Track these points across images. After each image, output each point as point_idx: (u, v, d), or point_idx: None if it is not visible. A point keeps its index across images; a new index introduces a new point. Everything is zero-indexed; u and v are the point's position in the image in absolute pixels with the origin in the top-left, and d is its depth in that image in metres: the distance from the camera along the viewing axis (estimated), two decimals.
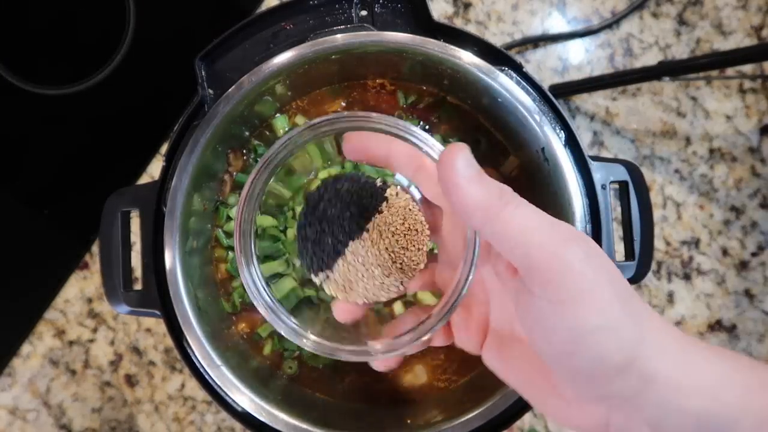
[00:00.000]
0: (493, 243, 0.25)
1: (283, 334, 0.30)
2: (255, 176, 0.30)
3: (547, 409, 0.27)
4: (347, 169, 0.48)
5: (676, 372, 0.23)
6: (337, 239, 0.31)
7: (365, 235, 0.31)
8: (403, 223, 0.32)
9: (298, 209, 0.50)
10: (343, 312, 0.32)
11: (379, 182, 0.32)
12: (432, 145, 0.28)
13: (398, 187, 0.33)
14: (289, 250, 0.50)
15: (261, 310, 0.30)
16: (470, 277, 0.28)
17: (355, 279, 0.31)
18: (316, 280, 0.32)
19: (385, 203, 0.32)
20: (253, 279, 0.30)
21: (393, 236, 0.32)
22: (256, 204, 0.30)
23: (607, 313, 0.23)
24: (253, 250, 0.30)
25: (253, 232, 0.30)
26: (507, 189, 0.25)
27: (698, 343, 0.24)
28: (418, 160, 0.30)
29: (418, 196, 0.33)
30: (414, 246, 0.32)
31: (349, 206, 0.31)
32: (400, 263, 0.32)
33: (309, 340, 0.30)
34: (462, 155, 0.25)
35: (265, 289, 0.30)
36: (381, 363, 0.32)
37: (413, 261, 0.32)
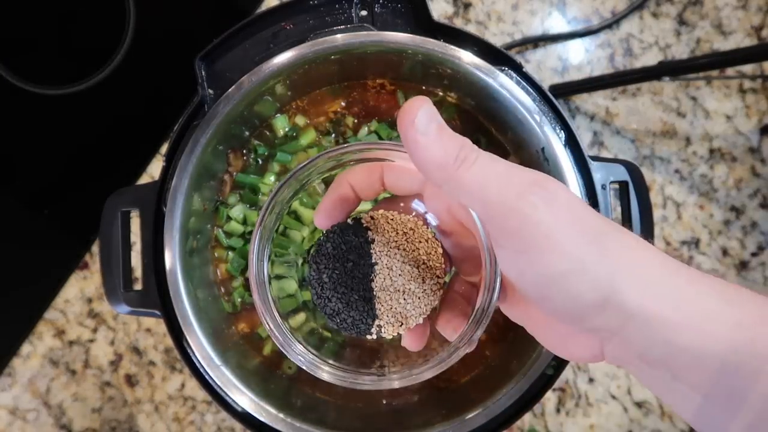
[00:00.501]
0: (456, 200, 0.26)
1: (302, 366, 0.30)
2: (265, 213, 0.30)
3: (547, 342, 0.28)
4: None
5: (658, 305, 0.23)
6: (361, 291, 0.31)
7: (377, 267, 0.31)
8: (397, 232, 0.32)
9: (301, 209, 0.50)
10: (414, 341, 0.32)
11: (350, 221, 0.33)
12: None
13: (368, 212, 0.33)
14: (297, 252, 0.50)
15: (276, 340, 0.30)
16: (493, 301, 0.28)
17: (402, 308, 0.31)
18: (372, 336, 0.32)
19: (369, 231, 0.32)
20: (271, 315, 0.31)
21: (399, 249, 0.32)
22: (269, 245, 0.31)
23: (571, 256, 0.23)
24: (268, 291, 0.31)
25: (267, 272, 0.31)
26: (467, 143, 0.25)
27: (691, 274, 0.24)
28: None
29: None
30: (421, 241, 0.32)
31: (346, 258, 0.31)
32: (423, 262, 0.32)
33: (326, 372, 0.30)
34: (422, 110, 0.24)
35: (280, 321, 0.31)
36: (408, 342, 0.32)
37: (431, 252, 0.32)
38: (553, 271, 0.23)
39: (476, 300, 0.29)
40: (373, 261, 0.31)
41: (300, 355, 0.30)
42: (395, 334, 0.32)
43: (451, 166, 0.24)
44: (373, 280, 0.31)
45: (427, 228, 0.33)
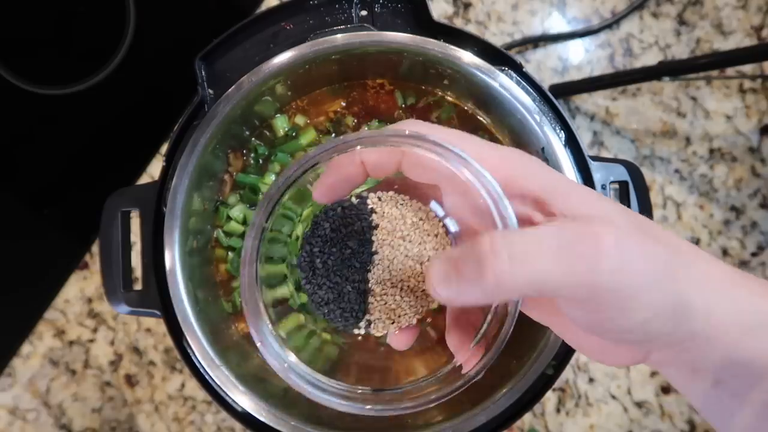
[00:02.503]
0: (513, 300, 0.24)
1: (308, 395, 0.27)
2: (266, 206, 0.26)
3: (582, 350, 0.27)
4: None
5: (716, 315, 0.22)
6: (356, 282, 0.28)
7: (377, 257, 0.28)
8: (405, 221, 0.29)
9: (299, 209, 0.50)
10: (400, 340, 0.30)
11: (354, 200, 0.29)
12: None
13: (376, 192, 0.30)
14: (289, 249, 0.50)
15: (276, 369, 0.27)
16: (510, 331, 0.26)
17: (396, 305, 0.29)
18: (360, 331, 0.29)
19: (374, 215, 0.29)
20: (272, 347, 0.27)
21: (404, 240, 0.29)
22: (260, 249, 0.27)
23: (649, 305, 0.21)
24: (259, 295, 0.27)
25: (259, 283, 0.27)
26: (482, 247, 0.21)
27: (745, 281, 0.23)
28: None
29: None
30: (430, 234, 0.29)
31: (345, 243, 0.28)
32: (428, 258, 0.29)
33: (336, 401, 0.28)
34: (434, 270, 0.23)
35: (280, 350, 0.27)
36: (395, 341, 0.30)
37: (439, 250, 0.29)
38: (633, 323, 0.22)
39: (487, 313, 0.27)
40: (374, 250, 0.28)
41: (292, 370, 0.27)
42: (384, 332, 0.30)
43: (493, 288, 0.21)
44: (371, 271, 0.28)
45: (439, 222, 0.29)
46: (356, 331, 0.29)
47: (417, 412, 0.27)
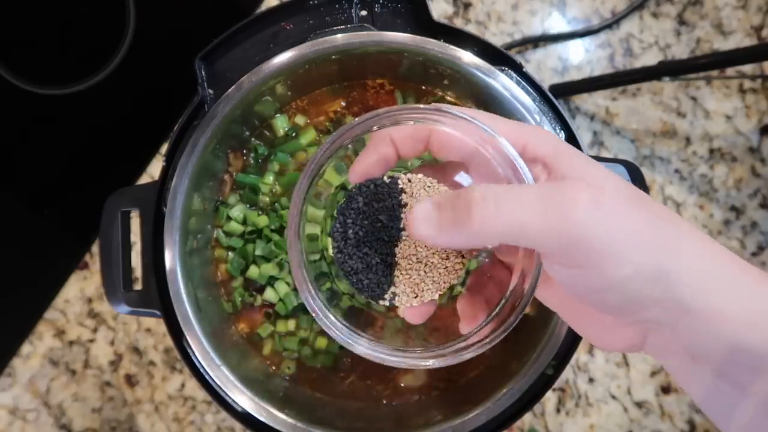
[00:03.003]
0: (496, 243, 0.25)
1: (337, 339, 0.29)
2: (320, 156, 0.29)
3: (585, 333, 0.28)
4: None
5: (723, 303, 0.22)
6: (383, 255, 0.30)
7: (404, 233, 0.30)
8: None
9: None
10: (416, 314, 0.31)
11: (386, 178, 0.31)
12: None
13: (406, 173, 0.31)
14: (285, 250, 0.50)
15: (315, 315, 0.29)
16: (532, 291, 0.27)
17: (420, 280, 0.30)
18: (385, 302, 0.31)
19: (404, 194, 0.31)
20: (307, 284, 0.29)
21: None
22: (306, 205, 0.29)
23: (630, 264, 0.22)
24: (302, 250, 0.29)
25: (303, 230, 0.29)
26: (467, 191, 0.24)
27: (759, 273, 0.23)
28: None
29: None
30: None
31: (376, 217, 0.30)
32: None
33: (362, 347, 0.29)
34: (419, 220, 0.25)
35: (317, 294, 0.29)
36: (411, 314, 0.31)
37: None
38: (611, 281, 0.23)
39: (508, 283, 0.28)
40: (402, 226, 0.30)
41: (335, 327, 0.29)
42: (408, 305, 0.31)
43: (477, 231, 0.23)
44: (398, 246, 0.30)
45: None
46: (381, 302, 0.31)
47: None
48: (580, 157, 0.26)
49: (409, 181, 0.31)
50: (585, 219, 0.22)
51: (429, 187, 0.31)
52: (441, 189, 0.31)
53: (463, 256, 0.31)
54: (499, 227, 0.23)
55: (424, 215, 0.25)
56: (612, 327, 0.26)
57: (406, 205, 0.30)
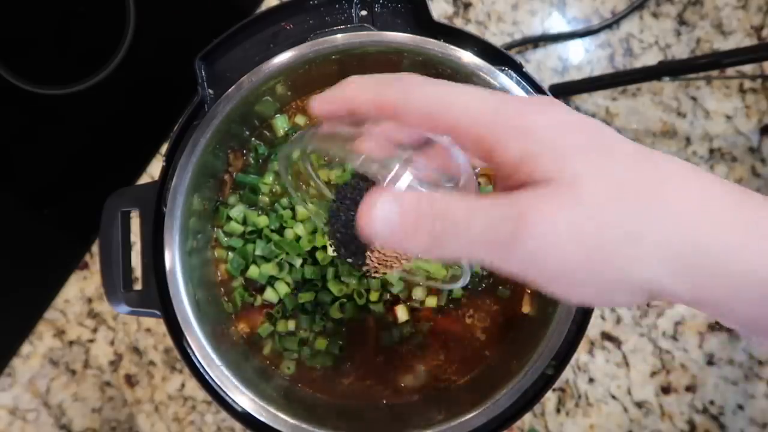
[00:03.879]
0: None
1: None
2: None
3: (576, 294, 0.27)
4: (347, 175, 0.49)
5: (723, 237, 0.22)
6: (360, 250, 0.33)
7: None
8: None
9: (299, 208, 0.50)
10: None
11: (380, 178, 0.32)
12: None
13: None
14: (288, 249, 0.50)
15: None
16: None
17: (388, 257, 0.34)
18: (361, 272, 0.35)
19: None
20: None
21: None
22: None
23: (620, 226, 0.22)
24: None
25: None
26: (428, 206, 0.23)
27: (758, 201, 0.23)
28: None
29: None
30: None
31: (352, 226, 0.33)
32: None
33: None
34: (377, 219, 0.23)
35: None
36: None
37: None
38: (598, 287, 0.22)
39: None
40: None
41: None
42: (378, 276, 0.36)
43: (422, 248, 0.23)
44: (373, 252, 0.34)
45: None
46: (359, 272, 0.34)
47: None
48: (551, 149, 0.23)
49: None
50: (536, 248, 0.21)
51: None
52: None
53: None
54: (448, 255, 0.23)
55: (383, 215, 0.23)
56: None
57: None
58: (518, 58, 0.45)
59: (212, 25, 0.66)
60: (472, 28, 0.64)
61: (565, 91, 0.62)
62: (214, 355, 0.44)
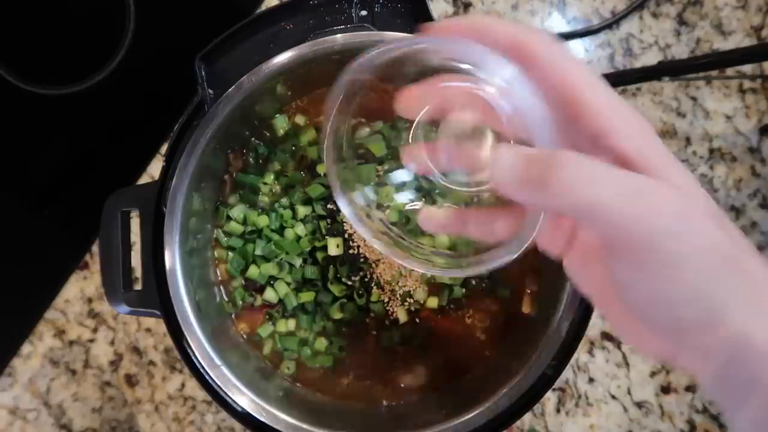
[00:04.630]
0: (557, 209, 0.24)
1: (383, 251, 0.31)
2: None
3: (617, 328, 0.27)
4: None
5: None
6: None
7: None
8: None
9: (300, 208, 0.50)
10: (435, 225, 0.31)
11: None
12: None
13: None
14: (288, 249, 0.50)
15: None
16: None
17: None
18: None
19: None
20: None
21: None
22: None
23: (693, 289, 0.21)
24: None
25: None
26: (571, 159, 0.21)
27: None
28: None
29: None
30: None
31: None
32: None
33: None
34: (504, 168, 0.23)
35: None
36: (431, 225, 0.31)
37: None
38: (668, 298, 0.22)
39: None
40: None
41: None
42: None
43: (557, 196, 0.22)
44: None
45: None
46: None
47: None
48: (667, 156, 0.24)
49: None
50: (667, 228, 0.21)
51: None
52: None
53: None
54: (582, 199, 0.21)
55: (510, 164, 0.23)
56: (647, 333, 0.25)
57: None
58: None
59: (212, 26, 0.65)
60: None
61: None
62: (214, 355, 0.44)
